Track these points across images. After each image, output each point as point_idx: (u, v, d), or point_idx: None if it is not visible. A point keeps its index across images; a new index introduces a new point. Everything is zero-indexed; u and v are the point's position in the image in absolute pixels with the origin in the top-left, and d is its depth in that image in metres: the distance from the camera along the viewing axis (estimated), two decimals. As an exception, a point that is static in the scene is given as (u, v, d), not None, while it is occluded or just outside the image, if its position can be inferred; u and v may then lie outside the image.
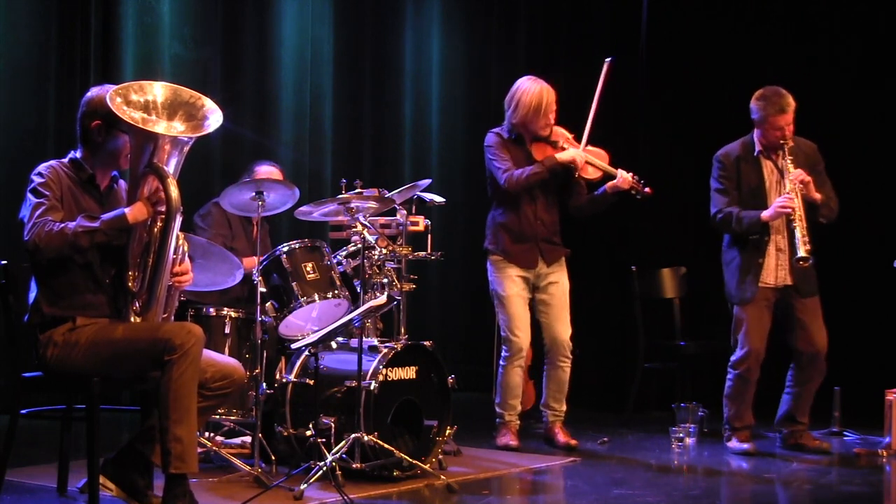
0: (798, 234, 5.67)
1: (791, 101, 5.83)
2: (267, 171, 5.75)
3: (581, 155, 5.84)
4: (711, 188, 6.00)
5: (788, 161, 5.81)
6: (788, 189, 5.77)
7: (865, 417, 6.45)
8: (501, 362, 5.96)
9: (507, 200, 5.93)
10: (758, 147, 5.94)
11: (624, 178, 5.86)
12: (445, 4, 8.56)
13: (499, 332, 7.15)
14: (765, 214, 5.81)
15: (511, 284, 5.91)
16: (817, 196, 5.83)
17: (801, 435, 6.04)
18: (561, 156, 5.84)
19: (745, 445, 5.90)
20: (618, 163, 6.02)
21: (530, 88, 5.88)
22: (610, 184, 5.89)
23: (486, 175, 6.03)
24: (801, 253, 5.65)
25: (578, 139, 5.93)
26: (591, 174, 5.93)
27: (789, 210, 5.72)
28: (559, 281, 5.98)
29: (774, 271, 5.90)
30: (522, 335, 5.91)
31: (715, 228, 6.03)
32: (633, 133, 8.11)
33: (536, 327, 6.07)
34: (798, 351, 5.98)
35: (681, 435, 6.10)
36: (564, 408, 6.03)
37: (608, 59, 5.96)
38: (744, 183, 5.92)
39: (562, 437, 5.97)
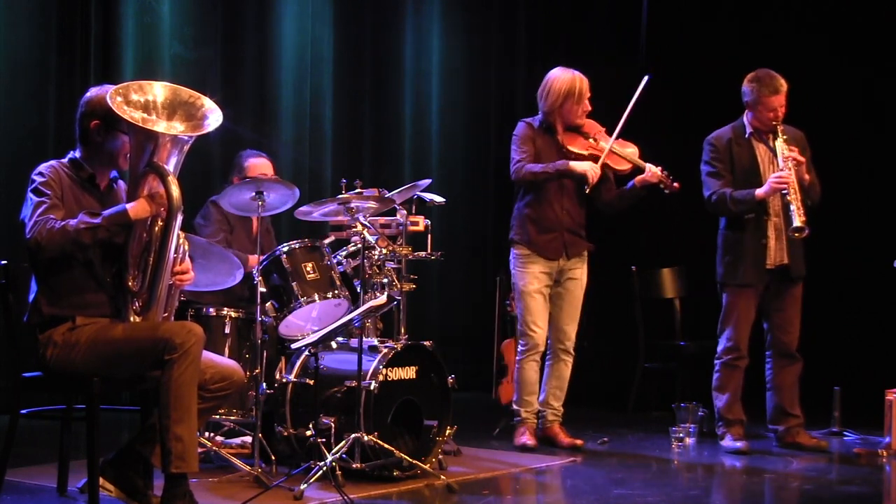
0: (793, 206, 5.68)
1: (784, 83, 5.86)
2: (259, 163, 5.73)
3: (595, 171, 5.79)
4: (703, 172, 6.02)
5: (782, 140, 5.82)
6: (782, 166, 5.77)
7: (865, 417, 6.45)
8: (518, 357, 5.97)
9: (535, 191, 5.91)
10: (749, 130, 5.96)
11: (652, 171, 5.90)
12: (445, 4, 8.55)
13: (499, 333, 7.17)
14: (759, 192, 5.81)
15: (533, 280, 5.90)
16: (807, 177, 5.86)
17: (798, 432, 6.03)
18: (575, 165, 5.82)
19: (739, 444, 5.89)
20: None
21: (561, 76, 5.91)
22: (639, 178, 5.91)
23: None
24: (797, 223, 5.65)
25: (610, 133, 5.94)
26: (622, 167, 5.96)
27: (784, 185, 5.72)
28: (578, 277, 5.99)
29: (774, 252, 5.91)
30: (540, 331, 5.91)
31: (710, 211, 6.03)
32: (632, 132, 8.10)
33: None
34: (775, 339, 6.01)
35: (681, 435, 6.11)
36: (562, 408, 6.04)
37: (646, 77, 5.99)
38: (737, 165, 5.94)
39: (564, 437, 5.96)
